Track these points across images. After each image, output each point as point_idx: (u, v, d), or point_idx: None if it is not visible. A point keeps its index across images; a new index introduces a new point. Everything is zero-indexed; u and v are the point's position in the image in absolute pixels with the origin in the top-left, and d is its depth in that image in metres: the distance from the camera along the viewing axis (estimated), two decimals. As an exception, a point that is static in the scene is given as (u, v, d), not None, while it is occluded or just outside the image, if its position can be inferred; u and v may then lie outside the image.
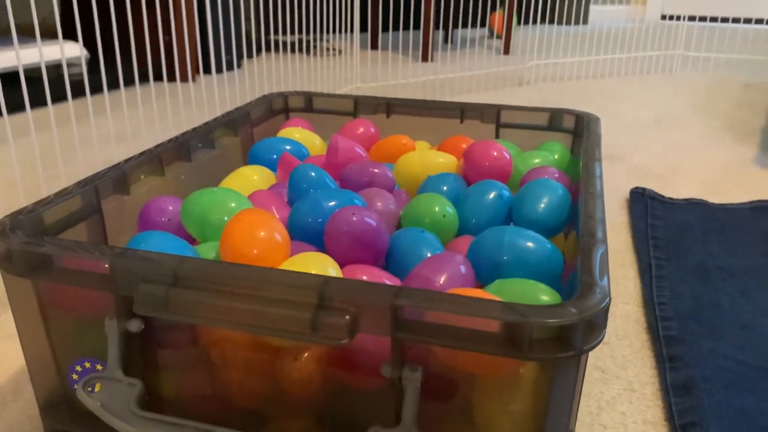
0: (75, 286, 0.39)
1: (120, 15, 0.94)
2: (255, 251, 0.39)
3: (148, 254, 0.37)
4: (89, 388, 0.38)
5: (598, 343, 0.32)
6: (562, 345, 0.31)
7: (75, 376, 0.42)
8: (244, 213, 0.41)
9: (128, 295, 0.36)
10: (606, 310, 0.32)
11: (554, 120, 0.70)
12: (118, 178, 0.51)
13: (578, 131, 0.69)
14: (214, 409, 0.41)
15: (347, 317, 0.32)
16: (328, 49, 1.97)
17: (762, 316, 0.61)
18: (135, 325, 0.38)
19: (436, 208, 0.52)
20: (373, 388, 0.37)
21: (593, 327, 0.32)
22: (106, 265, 0.36)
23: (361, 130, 0.70)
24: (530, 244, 0.44)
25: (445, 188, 0.56)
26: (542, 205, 0.51)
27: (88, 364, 0.42)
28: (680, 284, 0.66)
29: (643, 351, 0.57)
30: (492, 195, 0.53)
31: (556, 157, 0.66)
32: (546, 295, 0.40)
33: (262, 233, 0.40)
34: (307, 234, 0.47)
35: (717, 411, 0.48)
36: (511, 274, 0.44)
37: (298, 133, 0.69)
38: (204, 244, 0.47)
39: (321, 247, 0.48)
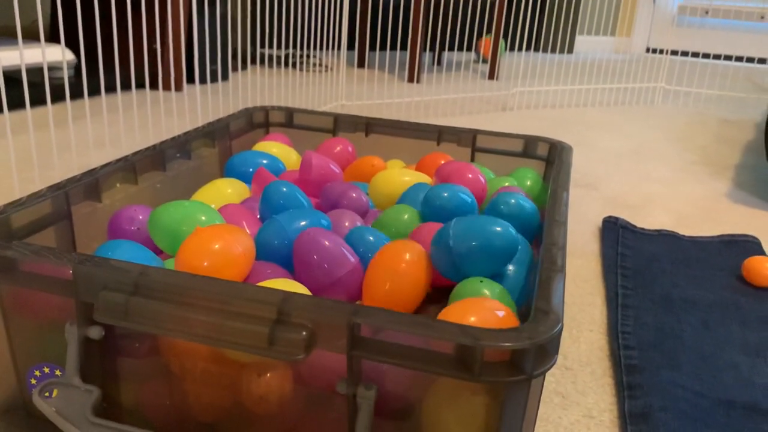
0: (37, 291, 0.39)
1: (107, 21, 0.94)
2: (205, 263, 0.40)
3: (111, 262, 0.37)
4: (46, 394, 0.38)
5: (549, 369, 0.33)
6: (513, 369, 0.32)
7: (33, 381, 0.42)
8: (202, 228, 0.42)
9: (90, 302, 0.36)
10: (558, 336, 0.33)
11: (529, 147, 0.72)
12: (91, 184, 0.51)
13: (551, 159, 0.70)
14: (172, 421, 0.41)
15: (304, 333, 0.33)
16: (315, 65, 1.98)
17: (721, 349, 0.62)
18: (95, 332, 0.38)
19: (405, 216, 0.53)
20: (329, 406, 0.37)
21: (545, 352, 0.32)
22: (70, 271, 0.37)
23: (339, 148, 0.71)
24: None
25: (422, 196, 0.57)
26: (512, 201, 0.53)
27: (47, 369, 0.41)
28: (645, 314, 0.67)
29: (604, 378, 0.58)
30: (456, 194, 0.55)
31: (528, 183, 0.68)
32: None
33: (216, 246, 0.40)
34: (272, 255, 0.48)
35: (671, 440, 0.49)
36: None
37: (276, 148, 0.70)
38: (173, 259, 0.47)
39: (288, 267, 0.48)
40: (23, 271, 0.38)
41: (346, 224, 0.51)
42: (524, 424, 0.35)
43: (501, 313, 0.38)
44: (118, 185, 0.55)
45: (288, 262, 0.47)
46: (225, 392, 0.40)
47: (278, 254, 0.47)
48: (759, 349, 0.63)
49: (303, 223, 0.48)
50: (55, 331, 0.40)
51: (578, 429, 0.51)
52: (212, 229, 0.42)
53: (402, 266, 0.43)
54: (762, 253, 0.85)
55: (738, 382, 0.57)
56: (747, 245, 0.87)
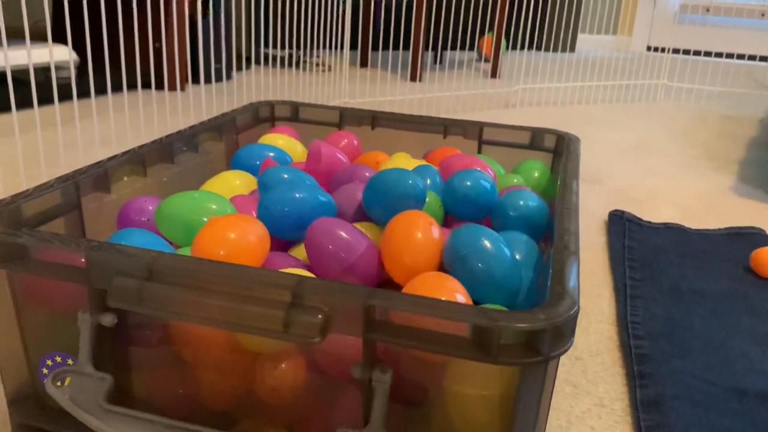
0: (50, 279, 0.39)
1: (111, 20, 0.94)
2: (222, 252, 0.40)
3: (124, 248, 0.37)
4: (59, 382, 0.38)
5: (566, 350, 0.33)
6: (529, 351, 0.32)
7: (45, 371, 0.42)
8: (217, 217, 0.42)
9: (102, 288, 0.36)
10: (574, 317, 0.33)
11: (535, 139, 0.72)
12: (99, 175, 0.51)
13: (558, 150, 0.70)
14: (184, 408, 0.41)
15: (320, 316, 0.33)
16: (317, 65, 1.98)
17: (731, 339, 0.62)
18: (108, 319, 0.38)
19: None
20: (343, 391, 0.37)
21: (561, 334, 0.32)
22: (82, 258, 0.36)
23: (344, 142, 0.71)
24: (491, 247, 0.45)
25: (428, 181, 0.58)
26: (521, 203, 0.53)
27: (59, 359, 0.41)
28: (654, 305, 0.67)
29: (614, 368, 0.58)
30: (475, 179, 0.55)
31: (536, 175, 0.67)
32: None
33: (231, 235, 0.40)
34: (273, 224, 0.48)
35: (685, 428, 0.48)
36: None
37: (282, 140, 0.70)
38: (183, 249, 0.47)
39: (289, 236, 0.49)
40: (35, 259, 0.38)
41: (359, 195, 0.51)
42: (540, 407, 0.35)
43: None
44: (125, 178, 0.55)
45: (288, 232, 0.48)
46: (238, 381, 0.40)
47: (278, 221, 0.48)
48: (769, 338, 0.62)
49: (301, 194, 0.48)
50: (67, 320, 0.39)
51: (590, 418, 0.51)
52: (228, 218, 0.42)
53: (418, 236, 0.44)
54: (769, 244, 0.85)
55: (749, 371, 0.56)
56: (754, 237, 0.87)
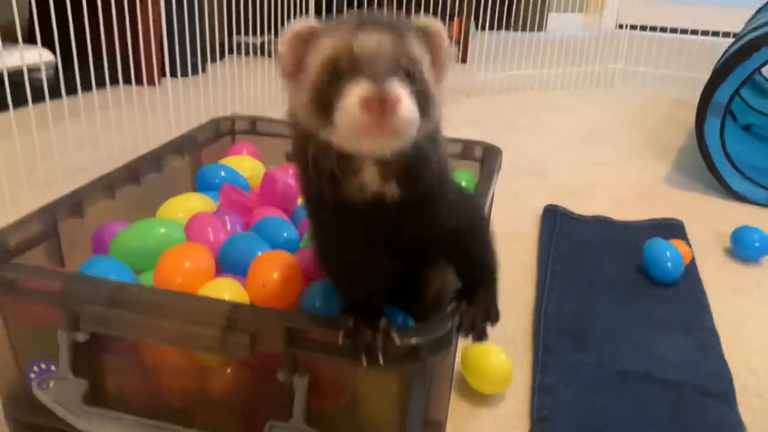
0: (33, 304, 0.47)
1: (80, 17, 1.00)
2: (179, 279, 0.49)
3: (93, 280, 0.45)
4: (44, 386, 0.47)
5: (441, 356, 0.42)
6: (412, 358, 0.41)
7: (33, 375, 0.51)
8: (174, 249, 0.51)
9: (77, 311, 0.45)
10: (449, 333, 0.42)
11: (466, 150, 0.80)
12: (74, 204, 0.60)
13: (485, 161, 0.79)
14: (150, 407, 0.50)
15: (248, 337, 0.42)
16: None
17: (630, 325, 0.72)
18: (82, 336, 0.47)
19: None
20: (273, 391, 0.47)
21: (438, 346, 0.42)
22: (59, 288, 0.45)
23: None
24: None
25: None
26: None
27: (44, 365, 0.50)
28: (567, 297, 0.77)
29: (525, 356, 0.68)
30: None
31: (463, 184, 0.76)
32: None
33: (187, 264, 0.49)
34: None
35: (568, 408, 0.58)
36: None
37: (248, 162, 0.78)
38: (145, 274, 0.55)
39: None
40: (22, 288, 0.47)
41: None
42: (430, 400, 0.44)
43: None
44: (97, 203, 0.63)
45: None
46: (192, 384, 0.49)
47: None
48: (661, 324, 0.72)
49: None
50: (50, 333, 0.48)
51: (495, 398, 0.61)
52: (180, 249, 0.51)
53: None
54: (684, 235, 0.95)
55: (636, 355, 0.66)
56: (672, 228, 0.97)
